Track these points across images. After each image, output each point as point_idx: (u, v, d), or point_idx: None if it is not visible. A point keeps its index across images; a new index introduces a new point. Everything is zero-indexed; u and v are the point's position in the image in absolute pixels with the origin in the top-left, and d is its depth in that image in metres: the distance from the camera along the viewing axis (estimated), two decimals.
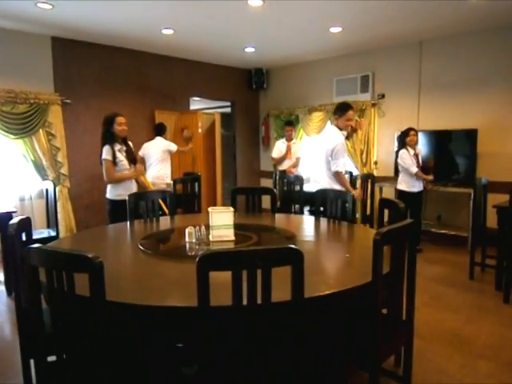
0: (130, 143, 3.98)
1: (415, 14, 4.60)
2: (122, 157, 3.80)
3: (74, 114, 5.55)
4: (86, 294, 1.42)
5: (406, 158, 4.89)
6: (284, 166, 6.20)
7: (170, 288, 1.73)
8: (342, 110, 3.86)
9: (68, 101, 5.42)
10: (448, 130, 5.48)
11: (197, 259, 1.39)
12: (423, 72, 5.81)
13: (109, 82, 5.89)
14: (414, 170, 4.85)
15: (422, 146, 5.46)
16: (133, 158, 3.92)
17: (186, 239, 2.38)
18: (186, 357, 1.77)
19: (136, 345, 1.70)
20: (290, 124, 6.35)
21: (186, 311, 1.51)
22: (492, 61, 5.19)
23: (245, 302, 1.45)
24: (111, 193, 3.89)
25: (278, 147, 6.34)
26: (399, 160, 4.97)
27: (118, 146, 3.80)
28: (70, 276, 1.46)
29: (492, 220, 4.23)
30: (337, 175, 3.80)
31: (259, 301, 1.46)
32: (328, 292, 1.61)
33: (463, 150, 5.35)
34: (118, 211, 3.55)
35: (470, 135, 5.20)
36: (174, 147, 5.59)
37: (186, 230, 2.39)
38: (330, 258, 2.16)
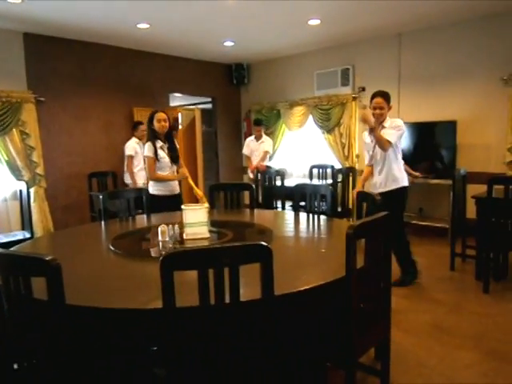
0: (175, 140, 3.94)
1: (393, 6, 4.58)
2: (163, 154, 3.74)
3: (50, 112, 5.41)
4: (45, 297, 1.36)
5: None
6: (254, 161, 6.11)
7: (137, 289, 1.66)
8: (371, 98, 3.65)
9: (42, 99, 5.27)
10: (428, 121, 5.50)
11: (160, 259, 1.33)
12: (403, 64, 5.81)
13: (85, 79, 5.75)
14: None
15: (403, 138, 5.44)
16: (176, 156, 3.85)
17: (159, 238, 2.32)
18: (156, 359, 1.71)
19: (100, 349, 1.64)
20: (258, 124, 6.14)
21: (150, 313, 1.45)
22: (470, 52, 5.21)
23: (212, 302, 1.40)
24: (151, 187, 3.82)
25: (248, 145, 6.22)
26: None
27: (160, 143, 3.74)
28: (26, 280, 1.39)
29: (472, 211, 4.26)
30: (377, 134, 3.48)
31: (227, 300, 1.42)
32: (300, 289, 1.56)
33: (443, 141, 5.38)
34: (155, 205, 3.50)
35: (450, 127, 5.22)
36: (128, 152, 5.52)
37: (159, 229, 2.32)
38: (305, 254, 2.12)
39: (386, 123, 3.56)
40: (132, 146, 5.52)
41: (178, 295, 1.35)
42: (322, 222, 2.86)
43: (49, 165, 5.40)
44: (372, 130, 3.49)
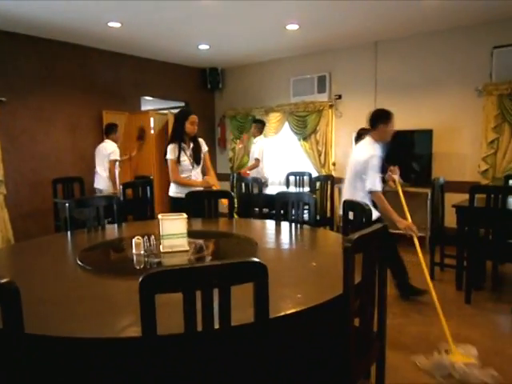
0: (200, 141, 3.73)
1: (369, 14, 4.56)
2: (184, 156, 3.57)
3: (10, 113, 5.05)
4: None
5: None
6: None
7: (110, 313, 1.45)
8: (386, 117, 3.28)
9: (3, 99, 4.92)
10: (404, 130, 5.49)
11: (139, 280, 1.14)
12: (379, 72, 5.81)
13: (51, 79, 5.42)
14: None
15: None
16: (198, 158, 3.66)
17: (133, 251, 2.10)
18: None
19: None
20: (255, 122, 6.12)
21: (126, 343, 1.25)
22: (445, 62, 5.27)
23: (199, 328, 1.22)
24: (171, 190, 3.71)
25: (259, 147, 5.94)
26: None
27: (183, 145, 3.59)
28: None
29: (449, 219, 4.25)
30: (373, 195, 3.21)
31: (216, 325, 1.24)
32: (298, 309, 1.40)
33: (419, 150, 5.40)
34: (176, 208, 3.34)
35: (426, 136, 5.25)
36: (114, 156, 5.23)
37: (133, 241, 2.11)
38: (295, 268, 1.96)
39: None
40: (116, 151, 5.23)
41: (158, 319, 1.16)
42: (306, 232, 2.72)
43: (9, 169, 5.03)
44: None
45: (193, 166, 3.63)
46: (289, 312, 1.39)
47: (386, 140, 3.36)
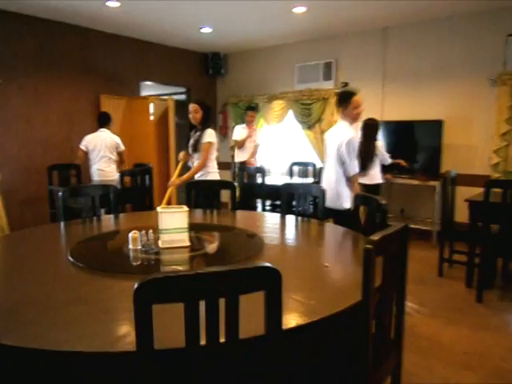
0: (206, 130, 3.61)
1: None
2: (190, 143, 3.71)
3: (5, 96, 4.85)
4: None
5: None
6: (241, 156, 5.75)
7: (100, 321, 1.28)
8: (344, 99, 3.18)
9: None
10: (413, 120, 5.32)
11: (135, 287, 0.98)
12: (388, 60, 5.60)
13: (47, 61, 5.21)
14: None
15: (386, 137, 5.26)
16: (194, 146, 3.66)
17: (130, 246, 1.94)
18: None
19: None
20: (252, 109, 5.86)
21: (118, 358, 1.09)
22: (457, 50, 5.06)
23: (203, 342, 1.07)
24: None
25: (239, 132, 5.76)
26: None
27: (191, 133, 3.74)
28: None
29: (459, 214, 4.09)
30: (354, 179, 3.14)
31: (222, 339, 1.08)
32: (313, 319, 1.25)
33: (428, 141, 5.20)
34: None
35: (436, 126, 5.05)
36: (122, 147, 4.99)
37: (130, 235, 1.94)
38: (306, 269, 1.79)
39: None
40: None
41: (156, 331, 1.00)
42: (314, 227, 2.56)
43: (3, 155, 4.85)
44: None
45: (193, 153, 3.70)
46: (304, 323, 1.23)
47: (354, 122, 3.23)
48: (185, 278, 1.04)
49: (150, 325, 1.01)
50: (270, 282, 1.09)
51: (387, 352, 1.62)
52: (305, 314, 1.32)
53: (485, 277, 3.37)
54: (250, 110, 5.81)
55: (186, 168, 3.83)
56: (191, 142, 3.68)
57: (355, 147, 3.09)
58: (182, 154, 3.74)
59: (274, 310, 1.11)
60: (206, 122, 3.64)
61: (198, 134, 3.63)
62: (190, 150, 3.67)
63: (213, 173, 3.69)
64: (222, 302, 1.05)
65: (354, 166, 3.10)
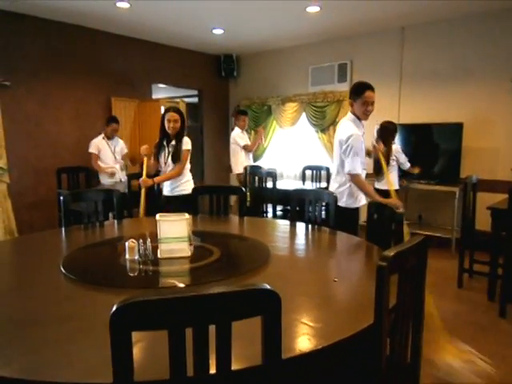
0: (184, 139, 3.51)
1: None
2: (162, 157, 3.54)
3: (15, 98, 4.81)
4: None
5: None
6: (249, 160, 5.63)
7: (79, 344, 1.16)
8: (356, 90, 2.90)
9: (6, 83, 4.68)
10: (431, 123, 5.11)
11: (111, 312, 0.85)
12: (405, 61, 5.41)
13: (57, 63, 5.17)
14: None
15: (402, 140, 5.07)
16: (174, 157, 3.49)
17: (127, 256, 1.83)
18: None
19: None
20: (245, 113, 5.72)
21: None
22: (478, 50, 4.84)
23: (190, 373, 0.94)
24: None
25: (242, 136, 5.60)
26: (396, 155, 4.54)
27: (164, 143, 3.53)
28: None
29: (481, 222, 3.89)
30: (352, 178, 2.88)
31: (213, 369, 0.95)
32: (319, 346, 1.11)
33: (447, 145, 4.98)
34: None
35: (455, 129, 4.84)
36: (126, 150, 5.18)
37: (126, 245, 1.83)
38: (313, 284, 1.65)
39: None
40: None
41: (136, 358, 0.88)
42: (325, 236, 2.41)
43: (13, 157, 4.81)
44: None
45: (171, 164, 3.51)
46: (307, 351, 1.09)
47: (364, 117, 2.94)
48: (168, 301, 0.91)
49: (128, 354, 0.89)
50: (268, 307, 0.95)
51: (402, 378, 1.46)
52: (309, 339, 1.18)
53: (509, 289, 3.15)
54: (243, 115, 5.66)
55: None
56: (169, 151, 3.48)
57: (354, 145, 2.83)
58: (144, 149, 3.47)
59: (272, 338, 0.97)
60: (183, 130, 3.49)
61: (173, 143, 3.46)
62: (170, 160, 3.47)
63: (190, 181, 3.61)
64: (212, 327, 0.92)
65: (353, 165, 2.85)
